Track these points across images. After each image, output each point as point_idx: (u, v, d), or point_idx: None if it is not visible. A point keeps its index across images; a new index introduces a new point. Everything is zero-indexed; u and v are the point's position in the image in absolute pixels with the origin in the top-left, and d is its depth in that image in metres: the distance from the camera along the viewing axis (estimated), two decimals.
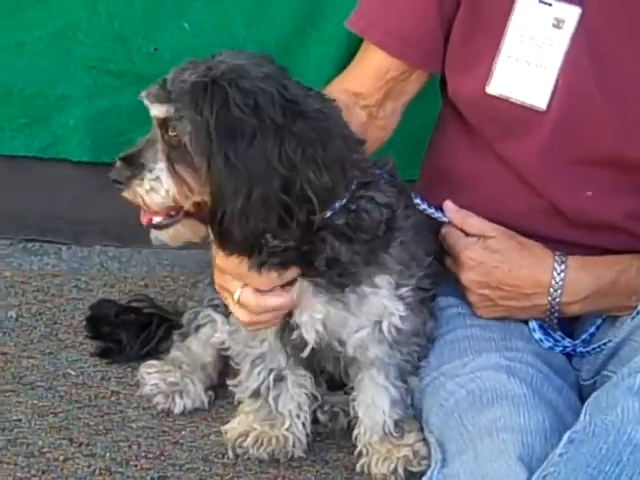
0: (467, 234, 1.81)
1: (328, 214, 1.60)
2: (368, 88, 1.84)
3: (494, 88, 1.77)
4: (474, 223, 1.81)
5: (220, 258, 1.66)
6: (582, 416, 1.54)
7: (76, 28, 2.33)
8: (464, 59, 1.80)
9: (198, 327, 1.97)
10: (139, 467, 1.82)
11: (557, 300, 1.77)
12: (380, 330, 1.71)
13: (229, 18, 2.30)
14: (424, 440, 1.76)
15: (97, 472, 1.80)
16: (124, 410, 1.95)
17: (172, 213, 1.60)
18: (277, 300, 1.66)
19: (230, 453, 1.83)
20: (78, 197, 2.46)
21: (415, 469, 1.74)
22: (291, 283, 1.66)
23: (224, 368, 1.95)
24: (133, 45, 2.34)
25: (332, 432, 1.89)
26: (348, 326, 1.70)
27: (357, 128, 1.73)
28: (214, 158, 1.51)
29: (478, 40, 1.78)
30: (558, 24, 1.73)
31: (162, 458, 1.84)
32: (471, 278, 1.79)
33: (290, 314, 1.71)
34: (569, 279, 1.76)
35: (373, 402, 1.77)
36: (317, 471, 1.82)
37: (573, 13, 1.72)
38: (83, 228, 2.46)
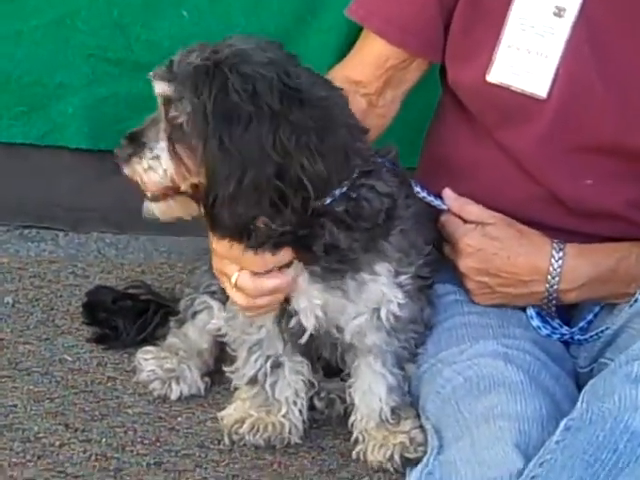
0: (466, 221, 1.81)
1: (328, 201, 1.61)
2: (368, 76, 1.83)
3: (494, 76, 1.77)
4: (473, 210, 1.81)
5: (217, 242, 1.66)
6: (579, 404, 1.54)
7: (75, 16, 2.33)
8: (464, 48, 1.80)
9: (195, 313, 1.97)
10: (135, 453, 1.82)
11: (555, 287, 1.77)
12: (378, 317, 1.71)
13: (229, 6, 2.30)
14: (420, 427, 1.76)
15: (93, 458, 1.80)
16: (120, 396, 1.94)
17: (169, 193, 1.60)
18: (274, 282, 1.66)
19: (226, 439, 1.83)
20: (76, 184, 2.45)
21: (411, 456, 1.74)
22: (288, 266, 1.66)
23: (220, 354, 1.95)
24: (132, 33, 2.33)
25: (328, 419, 1.89)
26: (346, 313, 1.70)
27: (357, 116, 1.72)
28: (209, 141, 1.52)
29: (479, 30, 1.78)
30: (559, 12, 1.73)
31: (158, 444, 1.84)
32: (469, 265, 1.79)
33: (288, 301, 1.71)
34: (567, 266, 1.76)
35: (370, 389, 1.77)
36: (313, 457, 1.82)
37: (574, 1, 1.72)
38: (81, 215, 2.46)
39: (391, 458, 1.76)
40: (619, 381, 1.50)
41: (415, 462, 1.70)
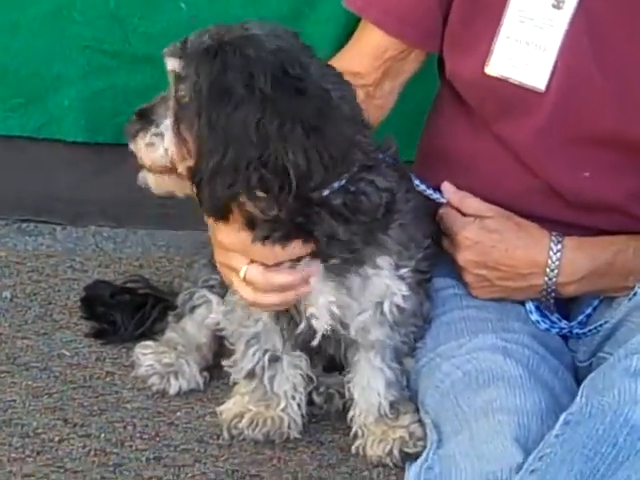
0: (464, 215, 1.80)
1: (326, 192, 1.60)
2: (366, 67, 1.83)
3: (493, 69, 1.76)
4: (472, 204, 1.80)
5: (224, 235, 1.65)
6: (578, 397, 1.54)
7: (71, 7, 2.32)
8: (463, 40, 1.79)
9: (193, 308, 1.96)
10: (134, 448, 1.81)
11: (553, 280, 1.76)
12: (382, 312, 1.70)
13: None
14: (420, 421, 1.76)
15: (92, 453, 1.80)
16: (119, 391, 1.94)
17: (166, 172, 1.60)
18: (284, 277, 1.63)
19: (225, 434, 1.82)
20: (74, 178, 2.44)
21: (410, 450, 1.74)
22: (299, 260, 1.63)
23: (219, 349, 1.95)
24: (129, 25, 2.32)
25: (327, 413, 1.88)
26: (351, 309, 1.70)
27: None
28: (201, 118, 1.53)
29: (477, 21, 1.77)
30: (558, 4, 1.72)
31: (157, 439, 1.84)
32: (468, 258, 1.79)
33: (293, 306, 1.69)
34: (565, 259, 1.75)
35: (368, 384, 1.77)
36: (312, 452, 1.82)
37: None
38: (79, 209, 2.45)
39: (390, 453, 1.75)
40: (618, 375, 1.50)
41: (414, 457, 1.70)
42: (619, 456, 1.45)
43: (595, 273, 1.76)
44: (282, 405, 1.80)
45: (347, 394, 1.81)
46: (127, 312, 2.07)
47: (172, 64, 1.58)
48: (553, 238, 1.76)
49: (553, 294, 1.78)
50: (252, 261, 1.64)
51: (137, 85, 2.33)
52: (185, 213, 2.12)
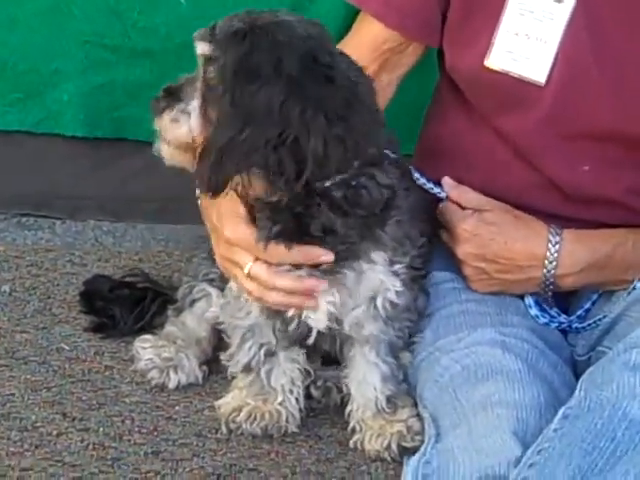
0: (464, 208, 1.80)
1: (327, 184, 1.60)
2: (364, 59, 1.80)
3: (493, 62, 1.75)
4: (471, 198, 1.80)
5: (230, 230, 1.65)
6: (577, 392, 1.54)
7: (70, 2, 2.31)
8: (463, 34, 1.79)
9: (193, 302, 1.96)
10: (132, 442, 1.81)
11: (552, 272, 1.76)
12: (375, 307, 1.70)
13: None
14: (418, 416, 1.75)
15: (90, 447, 1.80)
16: (118, 385, 1.94)
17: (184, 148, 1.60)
18: (287, 282, 1.64)
19: (223, 428, 1.82)
20: (73, 172, 2.44)
21: (409, 445, 1.73)
22: (299, 268, 1.63)
23: (219, 343, 1.94)
24: (128, 19, 2.32)
25: (325, 408, 1.88)
26: (346, 305, 1.69)
27: None
28: (224, 97, 1.53)
29: (477, 15, 1.77)
30: None
31: (155, 433, 1.83)
32: (467, 251, 1.78)
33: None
34: (564, 251, 1.75)
35: (364, 379, 1.76)
36: (310, 446, 1.82)
37: None
38: (78, 203, 2.45)
39: (388, 447, 1.75)
40: (617, 369, 1.50)
41: (412, 451, 1.70)
42: (617, 450, 1.44)
43: (594, 266, 1.76)
44: (280, 399, 1.80)
45: (344, 389, 1.81)
46: (126, 306, 2.07)
47: (202, 48, 1.58)
48: (552, 230, 1.76)
49: (552, 287, 1.78)
50: (257, 258, 1.64)
51: (136, 80, 2.33)
52: (184, 207, 2.11)
